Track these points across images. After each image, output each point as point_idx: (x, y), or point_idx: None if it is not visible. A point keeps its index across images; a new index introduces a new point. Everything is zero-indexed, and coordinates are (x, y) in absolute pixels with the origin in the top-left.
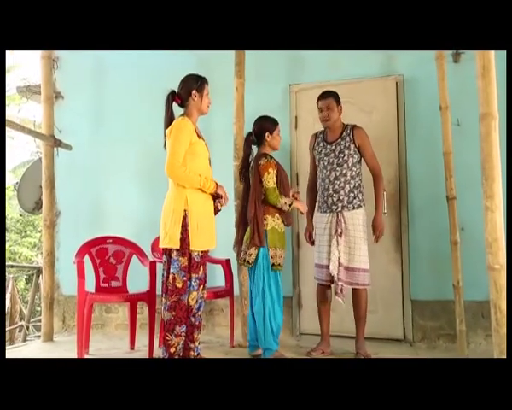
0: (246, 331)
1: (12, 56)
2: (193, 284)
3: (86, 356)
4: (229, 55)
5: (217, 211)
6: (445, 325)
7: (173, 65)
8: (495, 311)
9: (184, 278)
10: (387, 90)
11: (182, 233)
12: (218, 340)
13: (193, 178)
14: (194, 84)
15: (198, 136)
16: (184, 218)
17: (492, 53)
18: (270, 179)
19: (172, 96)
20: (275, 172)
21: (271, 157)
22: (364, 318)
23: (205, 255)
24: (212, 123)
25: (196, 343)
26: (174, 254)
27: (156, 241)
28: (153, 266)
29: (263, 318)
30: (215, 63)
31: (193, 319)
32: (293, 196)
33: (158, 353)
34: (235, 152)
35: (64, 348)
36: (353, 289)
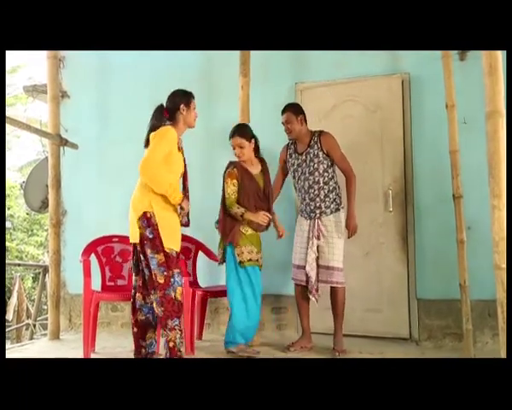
0: None
1: (19, 56)
2: (176, 279)
3: (92, 354)
4: (235, 54)
5: (182, 224)
6: (452, 324)
7: (178, 64)
8: (502, 310)
9: (165, 273)
10: (393, 89)
11: (153, 232)
12: (223, 338)
13: (164, 182)
14: (181, 98)
15: (179, 148)
16: (150, 218)
17: (499, 51)
18: (227, 188)
19: (161, 110)
20: (234, 181)
21: (235, 166)
22: (342, 315)
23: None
24: (218, 121)
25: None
26: (149, 252)
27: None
28: None
29: (230, 314)
30: (220, 62)
31: None
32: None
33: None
34: None
35: (70, 346)
36: (331, 287)
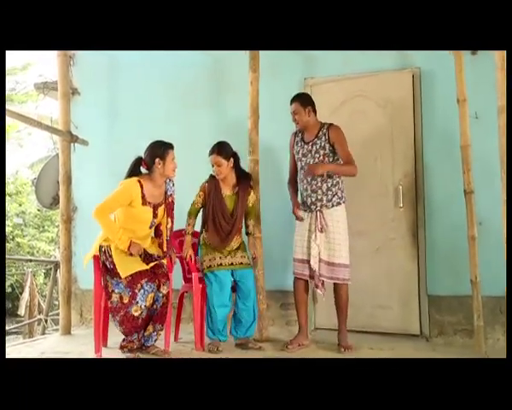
0: (261, 326)
1: (29, 54)
2: (145, 288)
3: (104, 349)
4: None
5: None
6: (463, 320)
7: (187, 60)
8: None
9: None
10: (403, 84)
11: (111, 264)
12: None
13: (113, 227)
14: (157, 151)
15: (145, 202)
16: (105, 252)
17: None
18: (195, 196)
19: (139, 162)
20: (201, 193)
21: (209, 181)
22: (345, 311)
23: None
24: (227, 117)
25: (146, 333)
26: (111, 277)
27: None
28: (168, 261)
29: None
30: (229, 58)
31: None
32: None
33: (174, 346)
34: (250, 146)
35: (82, 341)
36: (334, 283)
